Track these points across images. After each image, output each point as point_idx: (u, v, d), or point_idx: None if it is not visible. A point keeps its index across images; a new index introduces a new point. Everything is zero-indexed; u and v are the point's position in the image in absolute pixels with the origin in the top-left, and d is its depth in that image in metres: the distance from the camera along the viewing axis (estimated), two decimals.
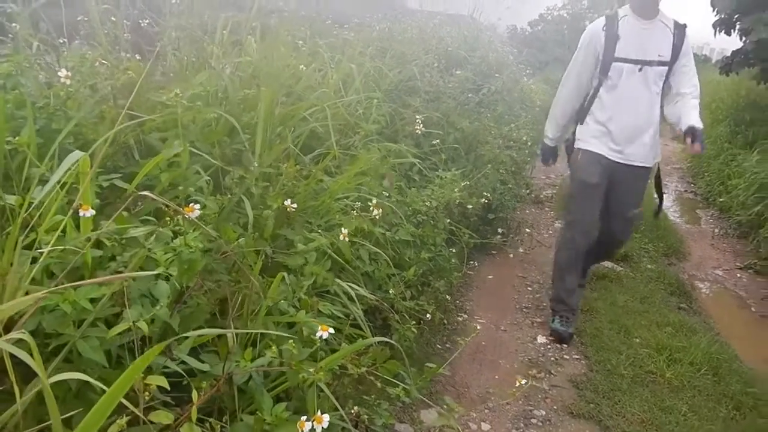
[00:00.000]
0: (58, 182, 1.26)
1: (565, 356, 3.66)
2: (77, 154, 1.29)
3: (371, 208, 2.57)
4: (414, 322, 2.85)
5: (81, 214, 1.30)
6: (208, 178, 2.04)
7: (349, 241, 2.59)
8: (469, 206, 4.15)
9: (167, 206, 1.36)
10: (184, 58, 2.59)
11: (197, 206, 1.47)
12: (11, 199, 1.35)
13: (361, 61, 4.61)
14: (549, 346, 3.77)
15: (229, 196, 2.02)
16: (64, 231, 1.40)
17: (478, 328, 3.00)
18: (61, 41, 2.55)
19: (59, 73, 1.79)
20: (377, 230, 2.93)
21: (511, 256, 5.43)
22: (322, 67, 4.02)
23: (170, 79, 2.44)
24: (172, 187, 1.98)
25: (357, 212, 2.80)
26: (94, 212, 1.33)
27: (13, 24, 2.40)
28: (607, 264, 5.00)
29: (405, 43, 6.21)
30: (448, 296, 3.75)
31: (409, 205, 3.67)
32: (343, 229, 2.30)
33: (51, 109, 1.78)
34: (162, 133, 2.19)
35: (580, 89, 3.75)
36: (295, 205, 2.15)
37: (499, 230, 5.36)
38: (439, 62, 6.38)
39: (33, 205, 1.27)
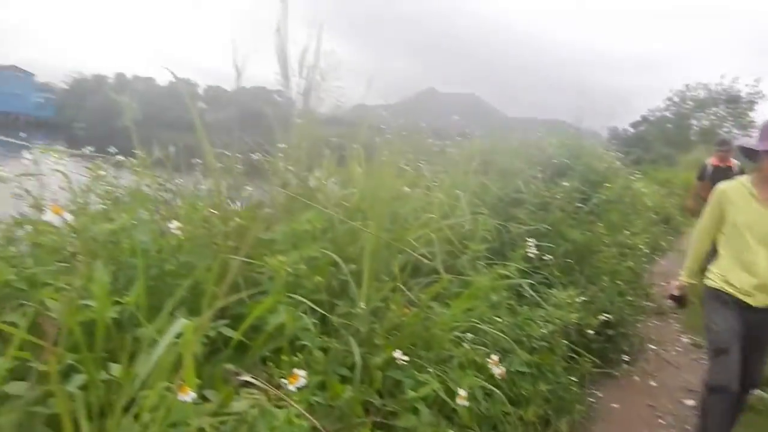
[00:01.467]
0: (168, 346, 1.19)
1: None
2: (181, 323, 1.23)
3: (490, 363, 2.38)
4: None
5: (180, 397, 1.22)
6: (315, 321, 1.94)
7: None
8: (590, 331, 3.82)
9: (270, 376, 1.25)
10: (290, 192, 2.62)
11: (302, 374, 1.36)
12: (115, 370, 1.30)
13: (466, 178, 4.56)
14: None
15: (335, 341, 1.91)
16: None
17: None
18: (178, 180, 2.65)
19: (170, 225, 1.80)
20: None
21: (637, 379, 4.92)
22: (426, 187, 3.99)
23: (277, 215, 2.45)
24: (278, 331, 1.90)
25: (469, 345, 2.62)
26: (194, 395, 1.25)
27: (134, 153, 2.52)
28: (755, 392, 4.38)
29: (507, 156, 6.15)
30: None
31: (522, 327, 3.43)
32: (459, 390, 2.12)
33: (165, 256, 1.78)
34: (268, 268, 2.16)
35: None
36: (406, 358, 2.00)
37: (625, 354, 4.93)
38: (544, 173, 6.24)
39: (138, 379, 1.20)
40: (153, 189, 2.43)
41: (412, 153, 4.75)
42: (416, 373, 2.21)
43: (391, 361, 2.21)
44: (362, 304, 2.09)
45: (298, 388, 1.38)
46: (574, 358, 3.89)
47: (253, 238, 2.06)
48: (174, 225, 1.79)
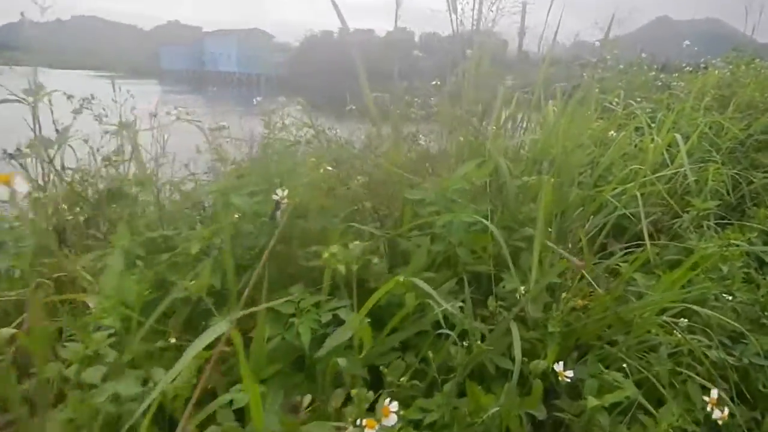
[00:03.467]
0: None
1: None
2: (222, 326, 0.96)
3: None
4: None
5: None
6: (461, 303, 1.57)
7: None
8: None
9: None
10: (460, 139, 2.23)
11: (394, 407, 1.01)
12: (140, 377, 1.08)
13: (694, 117, 3.72)
14: None
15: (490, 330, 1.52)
16: None
17: None
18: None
19: (276, 192, 1.52)
20: (712, 353, 2.13)
21: None
22: (637, 130, 3.30)
23: (435, 168, 2.09)
24: (418, 312, 1.57)
25: (681, 334, 2.04)
26: None
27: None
28: None
29: (754, 88, 4.97)
30: None
31: (765, 306, 2.68)
32: None
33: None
34: (418, 233, 1.83)
35: None
36: (570, 374, 1.53)
37: None
38: None
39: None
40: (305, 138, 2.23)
41: (625, 89, 4.02)
42: (603, 369, 1.74)
43: (568, 356, 1.77)
44: (522, 289, 1.66)
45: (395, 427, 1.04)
46: None
47: (399, 199, 1.73)
48: (279, 193, 1.51)
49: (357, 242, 1.26)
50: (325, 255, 1.24)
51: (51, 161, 1.60)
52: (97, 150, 2.29)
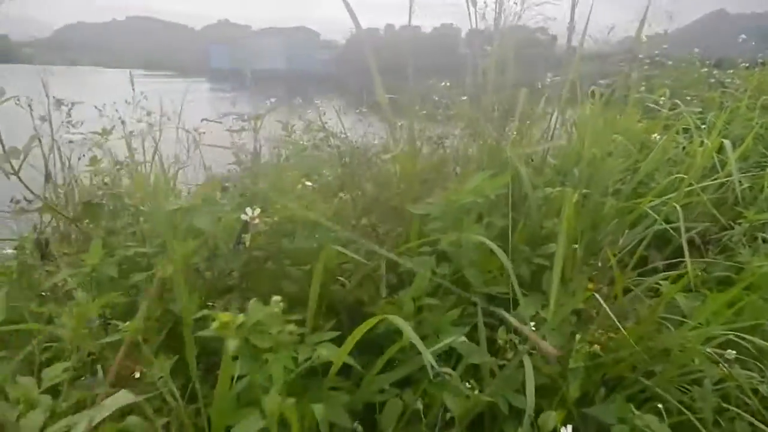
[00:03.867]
0: None
1: None
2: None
3: None
4: None
5: None
6: (463, 338, 1.37)
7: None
8: None
9: None
10: (480, 142, 2.02)
11: None
12: None
13: (749, 118, 3.41)
14: None
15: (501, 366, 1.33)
16: None
17: None
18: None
19: (246, 211, 1.33)
20: (763, 388, 1.88)
21: None
22: (687, 131, 3.02)
23: (454, 175, 1.90)
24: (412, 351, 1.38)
25: (727, 369, 1.79)
26: None
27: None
28: None
29: None
30: None
31: None
32: None
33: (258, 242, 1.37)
34: (429, 249, 1.64)
35: None
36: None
37: None
38: None
39: None
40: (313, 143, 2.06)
41: (673, 87, 3.73)
42: (634, 411, 1.52)
43: (596, 392, 1.56)
44: (529, 323, 1.46)
45: None
46: None
47: (404, 215, 1.55)
48: (249, 213, 1.32)
49: (277, 297, 1.07)
50: (215, 325, 1.03)
51: (16, 173, 1.49)
52: (79, 156, 2.18)
